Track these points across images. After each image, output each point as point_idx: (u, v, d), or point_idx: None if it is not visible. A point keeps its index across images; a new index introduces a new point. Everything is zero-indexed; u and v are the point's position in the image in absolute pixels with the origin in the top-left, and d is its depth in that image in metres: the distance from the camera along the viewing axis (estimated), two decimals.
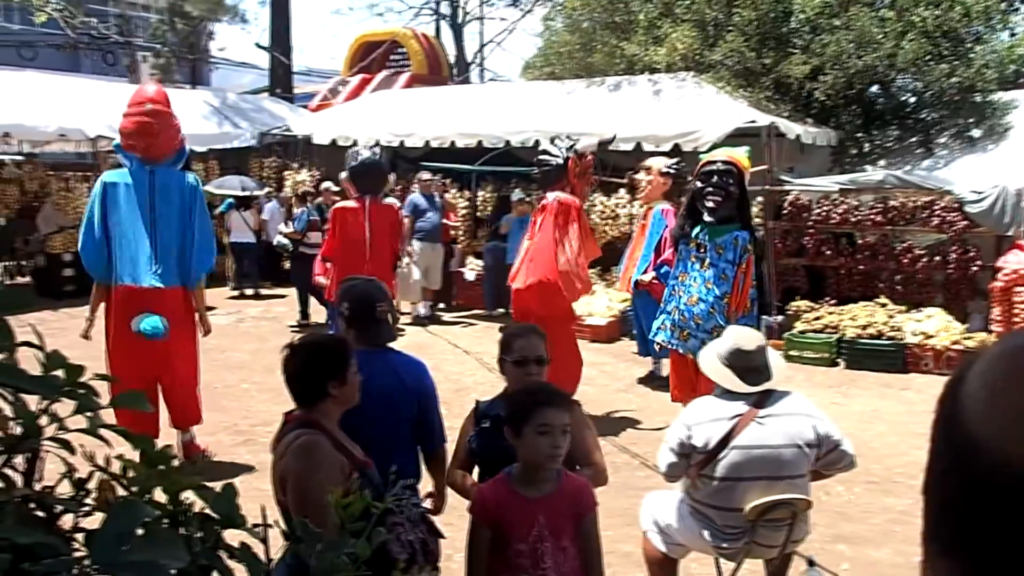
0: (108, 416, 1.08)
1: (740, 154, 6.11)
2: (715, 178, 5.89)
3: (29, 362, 1.08)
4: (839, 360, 9.13)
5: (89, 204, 5.76)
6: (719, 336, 5.87)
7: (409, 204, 11.09)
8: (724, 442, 3.47)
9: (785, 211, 10.21)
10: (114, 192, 5.62)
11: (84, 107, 12.95)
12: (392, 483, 2.21)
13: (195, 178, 5.88)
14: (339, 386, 2.84)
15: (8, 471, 1.11)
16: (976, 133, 11.32)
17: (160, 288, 5.61)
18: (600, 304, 10.52)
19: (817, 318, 9.49)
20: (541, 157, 6.85)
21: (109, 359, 5.65)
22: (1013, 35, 13.11)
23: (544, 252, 6.60)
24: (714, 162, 5.96)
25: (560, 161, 6.69)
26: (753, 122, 10.18)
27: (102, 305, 5.71)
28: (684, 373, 6.07)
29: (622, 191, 11.12)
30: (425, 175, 11.55)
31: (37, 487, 1.14)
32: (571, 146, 6.82)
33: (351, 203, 7.47)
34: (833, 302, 9.83)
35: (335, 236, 7.57)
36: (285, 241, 11.28)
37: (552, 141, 7.01)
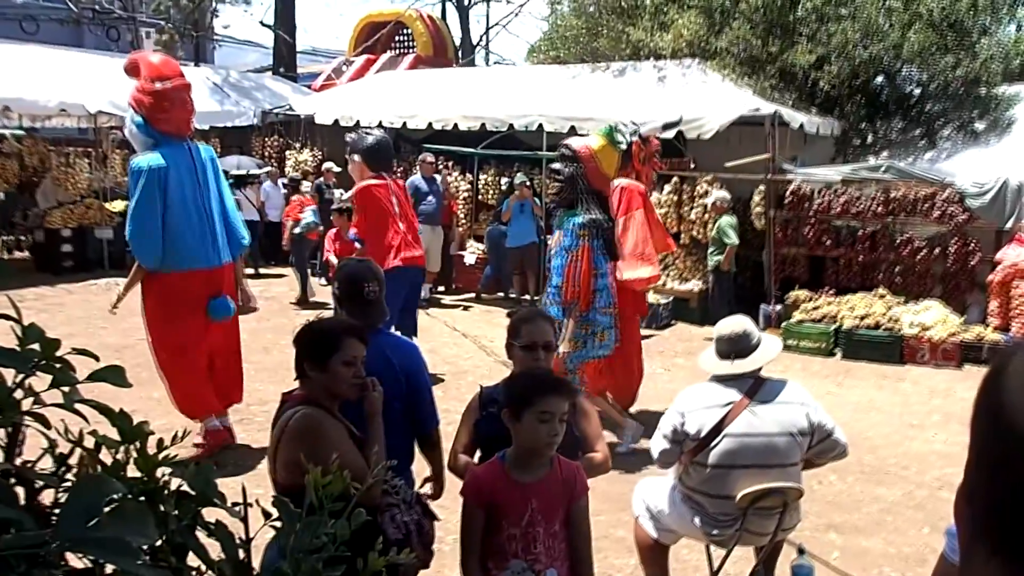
0: (85, 391, 1.07)
1: (592, 138, 5.93)
2: (553, 164, 5.90)
3: (8, 336, 1.07)
4: (836, 350, 9.12)
5: (140, 192, 5.31)
6: (559, 331, 5.80)
7: (410, 186, 11.04)
8: (717, 429, 3.46)
9: (787, 200, 10.18)
10: (164, 176, 5.35)
11: (86, 82, 12.91)
12: (374, 464, 2.20)
13: (209, 149, 5.82)
14: (316, 369, 2.82)
15: None
16: (980, 126, 11.26)
17: (224, 266, 5.67)
18: None
19: (815, 308, 9.48)
20: None
21: (171, 347, 5.56)
22: (1020, 28, 13.04)
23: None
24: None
25: (623, 147, 6.40)
26: (757, 110, 10.12)
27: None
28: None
29: None
30: (428, 157, 11.50)
31: (18, 463, 1.14)
32: (635, 131, 6.61)
33: (375, 181, 7.32)
34: (832, 292, 9.82)
35: (366, 216, 7.40)
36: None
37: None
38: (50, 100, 12.51)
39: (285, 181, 13.90)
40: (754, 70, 11.70)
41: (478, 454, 3.23)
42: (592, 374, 5.96)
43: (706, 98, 10.61)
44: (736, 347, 3.62)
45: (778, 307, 9.83)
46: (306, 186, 13.42)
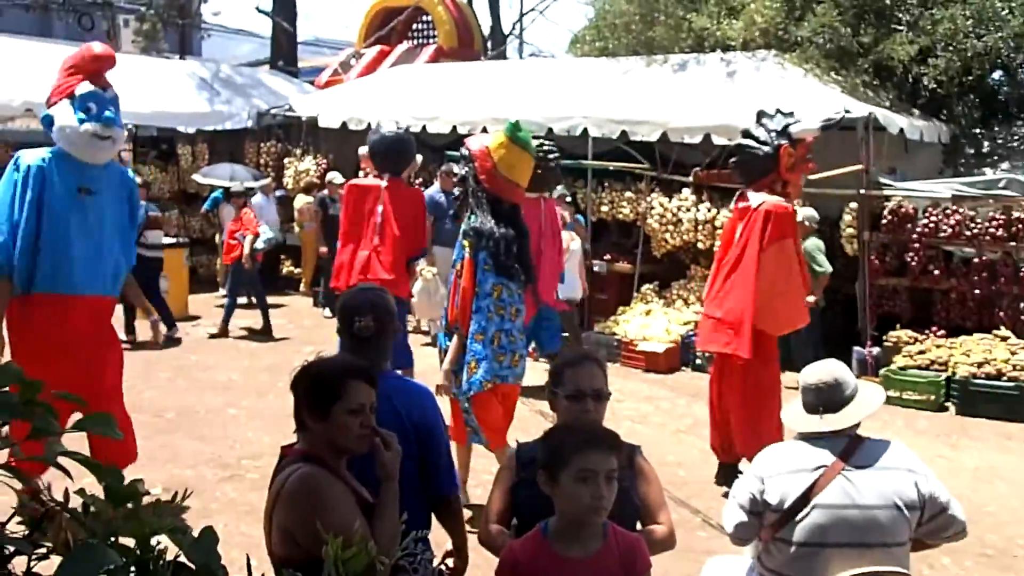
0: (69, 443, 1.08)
1: (489, 136, 6.06)
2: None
3: None
4: (948, 404, 8.98)
5: None
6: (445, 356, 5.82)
7: (428, 202, 11.10)
8: (805, 499, 3.41)
9: (885, 221, 10.09)
10: None
11: (55, 78, 13.17)
12: (402, 535, 2.19)
13: (18, 155, 5.54)
14: (317, 419, 2.80)
15: None
16: None
17: None
18: (658, 327, 10.47)
19: (921, 352, 9.35)
20: (743, 142, 6.58)
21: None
22: None
23: (744, 277, 6.44)
24: None
25: (768, 149, 6.41)
26: (848, 112, 10.10)
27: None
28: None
29: (686, 191, 11.08)
30: (454, 168, 11.53)
31: None
32: (784, 128, 6.44)
33: (368, 181, 7.55)
34: (941, 333, 9.69)
35: (346, 218, 7.60)
36: None
37: (760, 119, 6.61)
38: (14, 99, 12.80)
39: (280, 194, 14.14)
40: (843, 64, 11.68)
41: (514, 523, 3.22)
42: (456, 412, 5.81)
43: (784, 97, 10.57)
44: (826, 399, 3.58)
45: (875, 350, 9.72)
46: (303, 199, 13.58)
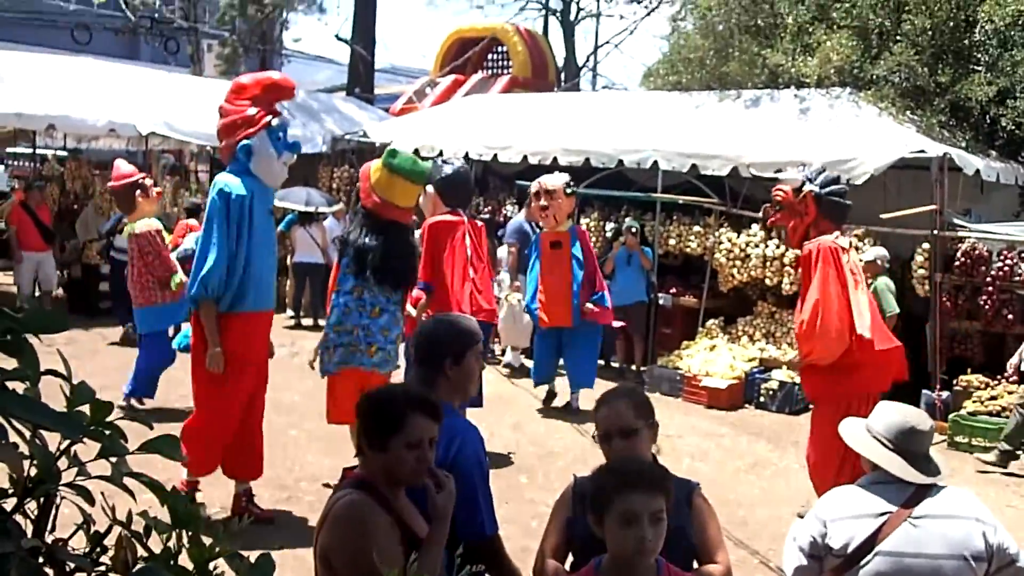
0: (134, 464, 1.10)
1: (375, 164, 6.70)
2: None
3: (54, 390, 1.10)
4: (1019, 452, 8.74)
5: None
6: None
7: (514, 230, 11.08)
8: (868, 545, 3.34)
9: (957, 262, 9.89)
10: None
11: (138, 100, 13.56)
12: (458, 568, 2.18)
13: (220, 182, 5.81)
14: (375, 448, 2.78)
15: (19, 518, 1.13)
16: None
17: None
18: (722, 363, 10.35)
19: (992, 398, 9.13)
20: (833, 188, 6.49)
21: None
22: None
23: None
24: None
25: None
26: (922, 152, 9.93)
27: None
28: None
29: (755, 227, 10.97)
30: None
31: (49, 539, 1.17)
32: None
33: (448, 217, 7.61)
34: (1015, 379, 9.45)
35: (431, 257, 7.55)
36: None
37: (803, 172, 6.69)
38: (99, 119, 13.16)
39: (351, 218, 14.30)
40: (919, 103, 11.52)
41: (570, 560, 3.18)
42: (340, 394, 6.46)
43: (859, 135, 10.46)
44: (924, 446, 3.47)
45: (944, 394, 9.50)
46: None
